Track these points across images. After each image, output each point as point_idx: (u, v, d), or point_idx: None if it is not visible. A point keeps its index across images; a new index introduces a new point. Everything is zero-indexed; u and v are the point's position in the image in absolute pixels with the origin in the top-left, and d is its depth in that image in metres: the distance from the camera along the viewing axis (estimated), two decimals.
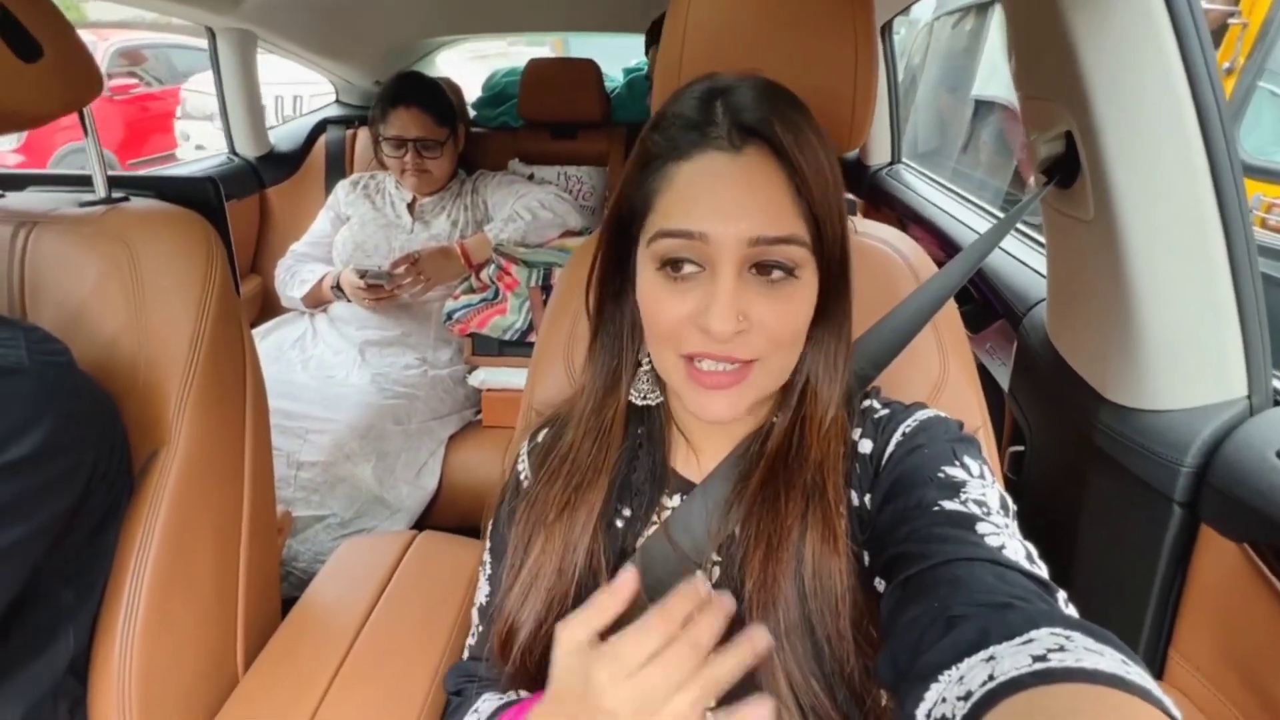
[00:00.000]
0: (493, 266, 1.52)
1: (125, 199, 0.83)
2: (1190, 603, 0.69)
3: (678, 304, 0.46)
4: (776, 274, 0.46)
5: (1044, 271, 0.98)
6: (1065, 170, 0.72)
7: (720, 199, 0.45)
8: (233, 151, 1.89)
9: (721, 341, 0.45)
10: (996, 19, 2.44)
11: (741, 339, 0.46)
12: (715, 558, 0.51)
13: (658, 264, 0.47)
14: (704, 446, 0.55)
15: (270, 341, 1.54)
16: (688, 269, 0.46)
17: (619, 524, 0.54)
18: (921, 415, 0.50)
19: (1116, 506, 0.75)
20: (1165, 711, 0.28)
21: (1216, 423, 0.67)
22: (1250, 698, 0.63)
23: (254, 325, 1.56)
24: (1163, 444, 0.69)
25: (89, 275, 0.75)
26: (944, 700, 0.32)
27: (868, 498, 0.49)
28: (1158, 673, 0.72)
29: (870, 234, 0.78)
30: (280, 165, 1.97)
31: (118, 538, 0.70)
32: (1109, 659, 0.29)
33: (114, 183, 0.84)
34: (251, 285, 1.89)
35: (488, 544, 0.61)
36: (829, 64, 0.69)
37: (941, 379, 0.71)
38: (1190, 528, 0.68)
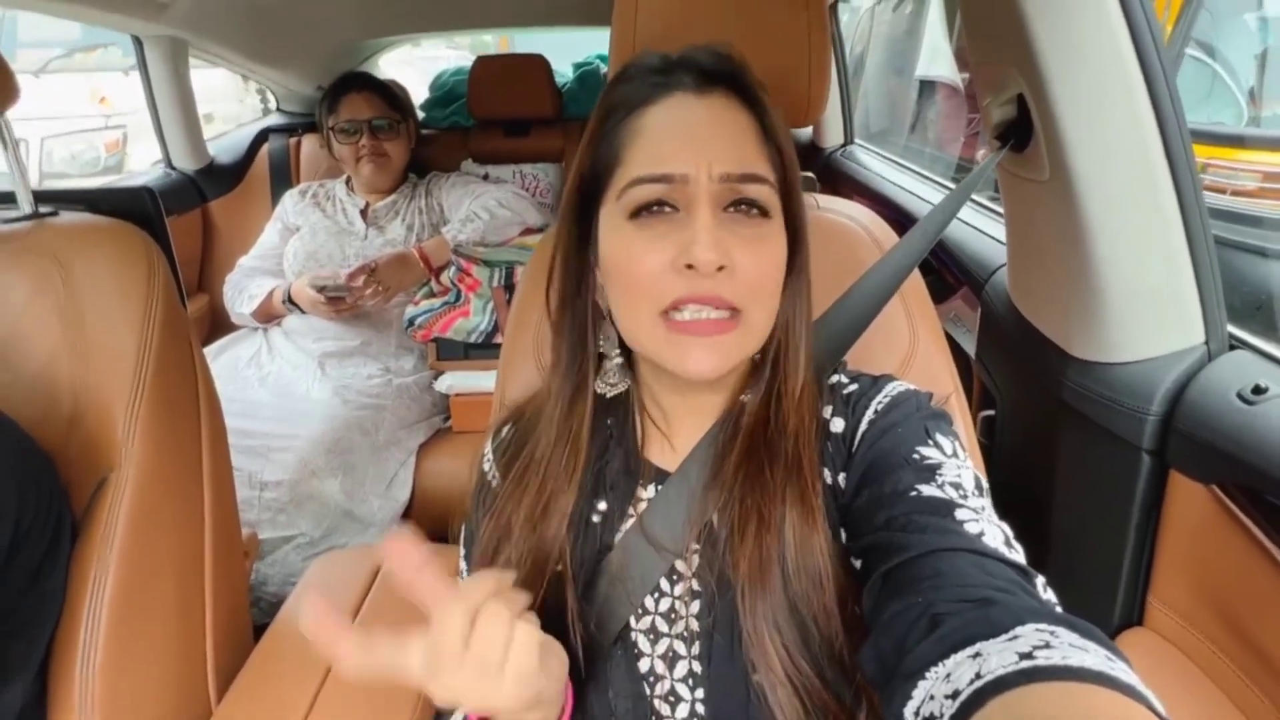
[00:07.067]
0: (453, 269, 1.48)
1: (54, 213, 0.78)
2: (1164, 547, 0.70)
3: (655, 252, 0.46)
4: (752, 211, 0.47)
5: (1002, 238, 1.00)
6: (1019, 134, 0.73)
7: (692, 137, 0.46)
8: (169, 165, 1.81)
9: (706, 275, 0.44)
10: (934, 1, 2.48)
11: (726, 276, 0.45)
12: (695, 545, 0.50)
13: (629, 213, 0.47)
14: (676, 432, 0.53)
15: (223, 360, 1.48)
16: (663, 211, 0.46)
17: (595, 519, 0.52)
18: (892, 390, 0.50)
19: (1088, 459, 0.76)
20: (1151, 708, 0.28)
21: (1178, 370, 0.69)
22: (1227, 634, 0.65)
23: (205, 345, 1.50)
24: (1129, 394, 0.70)
25: (16, 296, 0.71)
26: (932, 698, 0.32)
27: (841, 477, 0.48)
28: (1138, 618, 0.74)
29: (831, 209, 0.78)
30: (221, 178, 1.90)
31: (67, 576, 0.66)
32: (1094, 655, 0.30)
33: (40, 198, 0.80)
34: (199, 304, 1.81)
35: (462, 550, 0.59)
36: (783, 38, 0.70)
37: (912, 349, 0.71)
38: (1160, 474, 0.69)
